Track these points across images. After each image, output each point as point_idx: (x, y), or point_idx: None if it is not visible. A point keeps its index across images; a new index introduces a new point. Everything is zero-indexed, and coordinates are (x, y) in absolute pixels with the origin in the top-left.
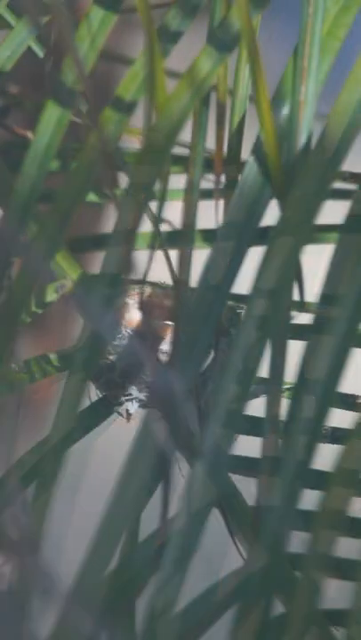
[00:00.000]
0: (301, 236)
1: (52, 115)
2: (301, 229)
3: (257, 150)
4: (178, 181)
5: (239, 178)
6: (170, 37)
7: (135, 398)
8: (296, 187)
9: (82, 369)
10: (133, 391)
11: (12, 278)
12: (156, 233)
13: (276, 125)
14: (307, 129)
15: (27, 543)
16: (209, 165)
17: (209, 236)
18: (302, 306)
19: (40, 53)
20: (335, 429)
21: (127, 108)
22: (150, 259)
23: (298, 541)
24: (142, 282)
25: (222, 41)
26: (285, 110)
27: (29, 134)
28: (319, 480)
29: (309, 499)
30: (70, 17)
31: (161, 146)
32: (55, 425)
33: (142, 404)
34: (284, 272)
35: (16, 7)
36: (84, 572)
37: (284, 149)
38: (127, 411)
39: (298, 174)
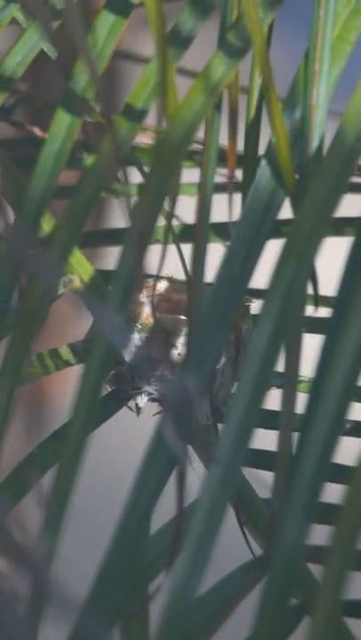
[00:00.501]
0: (315, 238)
1: (64, 120)
2: (315, 232)
3: (269, 154)
4: (191, 176)
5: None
6: (181, 41)
7: (145, 392)
8: (309, 190)
9: (99, 362)
10: (143, 385)
11: (27, 280)
12: (170, 228)
13: (288, 129)
14: (319, 132)
15: (36, 546)
16: (224, 161)
17: (221, 230)
18: (317, 301)
19: (51, 53)
20: (356, 423)
21: (138, 116)
22: (163, 254)
23: (319, 535)
24: (155, 277)
25: (234, 44)
26: (297, 114)
27: (37, 130)
28: (340, 474)
29: (330, 493)
30: (82, 20)
31: (173, 152)
32: (72, 419)
33: (152, 399)
34: (299, 275)
35: (29, 9)
36: (103, 575)
37: (296, 153)
38: (137, 405)
39: (311, 177)
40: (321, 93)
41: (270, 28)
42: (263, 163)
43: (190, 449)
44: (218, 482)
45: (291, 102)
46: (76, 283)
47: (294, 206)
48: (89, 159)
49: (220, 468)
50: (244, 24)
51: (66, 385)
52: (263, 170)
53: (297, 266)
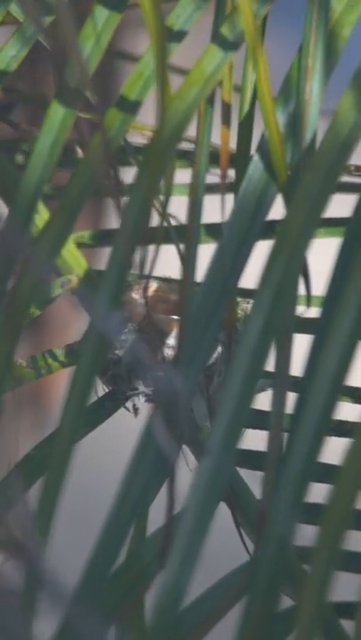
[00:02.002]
0: (307, 233)
1: (57, 113)
2: (307, 227)
3: (261, 148)
4: (183, 176)
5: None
6: (174, 36)
7: (142, 393)
8: (301, 185)
9: (90, 364)
10: (140, 386)
11: (18, 275)
12: (161, 228)
13: (280, 124)
14: (312, 128)
15: (31, 542)
16: (216, 160)
17: (214, 230)
18: (309, 299)
19: (45, 47)
20: (342, 422)
21: (131, 108)
22: (155, 253)
23: (306, 535)
24: (148, 276)
25: (227, 39)
26: (290, 109)
27: (33, 130)
28: (327, 473)
29: (317, 492)
30: (74, 16)
31: (166, 145)
32: (63, 420)
33: (149, 399)
34: (290, 269)
35: (23, 2)
36: (91, 569)
37: (288, 148)
38: (134, 405)
39: (303, 172)
40: (314, 89)
41: (264, 23)
42: (255, 158)
43: (185, 448)
44: (208, 477)
45: (284, 98)
46: (75, 283)
47: (286, 202)
48: (81, 156)
49: (211, 462)
50: (237, 18)
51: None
52: (255, 165)
53: (288, 260)
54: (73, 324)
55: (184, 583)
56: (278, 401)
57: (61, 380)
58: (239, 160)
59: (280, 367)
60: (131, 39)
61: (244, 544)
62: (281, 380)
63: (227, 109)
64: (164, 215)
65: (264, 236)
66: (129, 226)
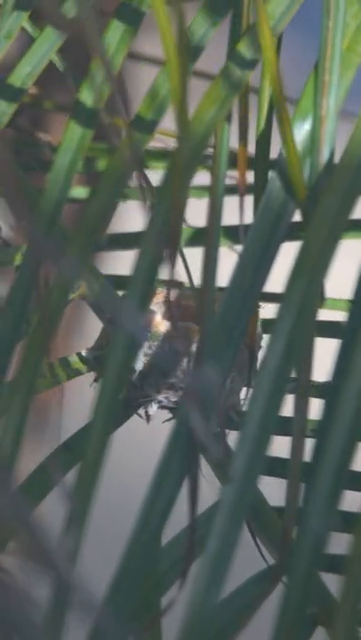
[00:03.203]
0: (326, 255)
1: (75, 130)
2: (326, 249)
3: (279, 165)
4: (201, 179)
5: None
6: (190, 53)
7: (155, 400)
8: (320, 206)
9: (117, 370)
10: (153, 393)
11: (47, 284)
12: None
13: (297, 140)
14: (329, 144)
15: (59, 553)
16: (235, 164)
17: (231, 233)
18: (337, 304)
19: (60, 65)
20: None
21: (148, 129)
22: (176, 259)
23: (339, 543)
24: (169, 283)
25: (244, 57)
26: (307, 125)
27: (42, 135)
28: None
29: (350, 500)
30: (95, 27)
31: (186, 165)
32: (92, 427)
33: (162, 406)
34: (310, 290)
35: (37, 20)
36: (118, 581)
37: (306, 164)
38: (146, 412)
39: (322, 193)
40: (331, 104)
41: (280, 38)
42: (273, 174)
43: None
44: (234, 498)
45: (301, 114)
46: (84, 288)
47: (305, 217)
48: (104, 167)
49: (236, 483)
50: (254, 34)
51: (73, 394)
52: (274, 181)
53: (308, 282)
54: (77, 330)
55: (212, 601)
56: (301, 408)
57: (68, 389)
58: (258, 166)
59: (302, 381)
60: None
61: (260, 551)
62: (304, 388)
63: (244, 124)
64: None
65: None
66: (155, 235)
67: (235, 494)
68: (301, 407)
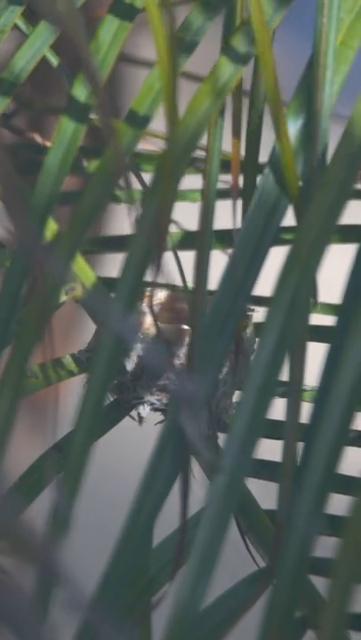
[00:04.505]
0: (318, 250)
1: (67, 126)
2: (318, 244)
3: (273, 161)
4: (193, 183)
5: (257, 180)
6: (184, 48)
7: (147, 402)
8: (313, 201)
9: (104, 372)
10: (145, 395)
11: (33, 284)
12: (172, 235)
13: (291, 136)
14: (323, 139)
15: (44, 549)
16: (226, 167)
17: (224, 237)
18: (323, 308)
19: (53, 61)
20: (354, 431)
21: (141, 123)
22: (166, 261)
23: (325, 547)
24: (160, 285)
25: (238, 51)
26: (301, 121)
27: (37, 137)
28: (347, 485)
29: (336, 504)
30: (86, 25)
31: (177, 160)
32: (77, 429)
33: (154, 408)
34: (302, 284)
35: (30, 17)
36: (109, 577)
37: (300, 159)
38: (139, 414)
39: (315, 187)
40: (325, 100)
41: (274, 33)
42: (267, 170)
43: (195, 458)
44: (222, 493)
45: (295, 109)
46: (78, 291)
47: (298, 213)
48: (92, 165)
49: (225, 479)
50: (248, 29)
51: (70, 394)
52: (267, 177)
53: (301, 276)
54: (75, 332)
55: (199, 599)
56: (293, 410)
57: (65, 389)
58: (248, 169)
59: (294, 378)
60: (132, 41)
61: (251, 553)
62: (295, 390)
63: (237, 119)
64: (175, 222)
65: (276, 245)
66: (143, 235)
67: (224, 487)
68: (294, 405)
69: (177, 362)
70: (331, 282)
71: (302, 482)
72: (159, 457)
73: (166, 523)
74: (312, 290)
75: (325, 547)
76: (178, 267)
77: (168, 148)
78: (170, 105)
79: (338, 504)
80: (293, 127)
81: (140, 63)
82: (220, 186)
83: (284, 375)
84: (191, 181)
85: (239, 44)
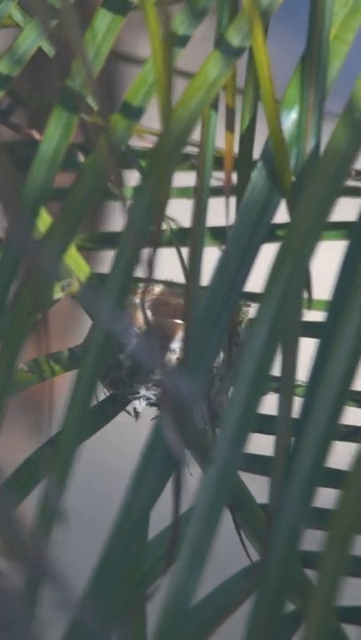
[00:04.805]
0: (311, 240)
1: (61, 117)
2: (311, 234)
3: (266, 154)
4: (188, 180)
5: (251, 176)
6: (177, 41)
7: (143, 397)
8: (306, 192)
9: (92, 367)
10: (141, 390)
11: (24, 278)
12: (166, 231)
13: (284, 130)
14: (315, 133)
15: (35, 546)
16: (219, 164)
17: (217, 233)
18: (314, 304)
19: (49, 53)
20: (349, 427)
21: (135, 114)
22: (160, 257)
23: (313, 540)
24: (152, 280)
25: (231, 44)
26: (294, 115)
27: (35, 133)
28: (334, 478)
29: (325, 497)
30: (79, 19)
31: (171, 152)
32: (65, 424)
33: (150, 403)
34: (295, 276)
35: (26, 7)
36: (100, 572)
37: (292, 154)
38: (135, 409)
39: (307, 179)
40: (318, 94)
41: (267, 28)
42: (259, 164)
43: (188, 453)
44: (214, 484)
45: (288, 103)
46: (75, 286)
47: (290, 208)
48: (86, 160)
49: (217, 469)
50: (241, 23)
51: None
52: (259, 171)
53: (293, 267)
54: (74, 328)
55: (192, 588)
56: (285, 405)
57: (61, 384)
58: (242, 164)
59: (286, 371)
60: (131, 40)
61: (245, 547)
62: (287, 385)
63: (230, 114)
64: (167, 218)
65: (268, 240)
66: (134, 229)
67: (216, 477)
68: (286, 400)
69: (172, 356)
70: (321, 278)
71: (291, 475)
72: (152, 451)
73: (162, 517)
74: (305, 281)
75: (315, 540)
76: (173, 262)
77: (161, 139)
78: (163, 95)
79: (326, 498)
80: (286, 120)
81: (138, 62)
82: (215, 183)
83: (277, 370)
84: (186, 178)
85: (233, 37)
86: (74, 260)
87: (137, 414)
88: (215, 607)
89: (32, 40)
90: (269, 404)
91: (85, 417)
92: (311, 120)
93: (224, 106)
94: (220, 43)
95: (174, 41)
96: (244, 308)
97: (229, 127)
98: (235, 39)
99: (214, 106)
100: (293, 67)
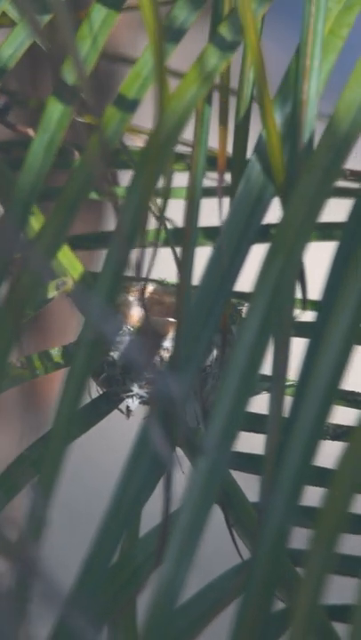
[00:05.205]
0: (304, 234)
1: (54, 113)
2: (304, 228)
3: (259, 149)
4: (181, 179)
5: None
6: (172, 36)
7: (136, 395)
8: (299, 186)
9: (84, 365)
10: (134, 388)
11: (14, 275)
12: (159, 230)
13: (278, 124)
14: (309, 128)
15: (25, 543)
16: (213, 163)
17: (211, 233)
18: (305, 303)
19: (43, 50)
20: (337, 426)
21: (129, 107)
22: (152, 256)
23: (300, 538)
24: (144, 279)
25: (225, 39)
26: (288, 109)
27: (30, 132)
28: (322, 477)
29: (312, 496)
30: (71, 15)
31: (164, 144)
32: (56, 421)
33: (143, 401)
34: (287, 270)
35: (19, 3)
36: (87, 569)
37: (286, 148)
38: (127, 407)
39: (300, 173)
40: (312, 89)
41: (262, 22)
42: (253, 158)
43: (179, 450)
44: (203, 480)
45: (282, 98)
46: (70, 285)
47: (284, 203)
48: (78, 158)
49: (206, 465)
50: (236, 17)
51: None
52: (253, 165)
53: (285, 260)
54: (70, 326)
55: (179, 583)
56: (275, 403)
57: (57, 382)
58: (236, 162)
59: (277, 369)
60: (129, 41)
61: (236, 546)
62: (278, 382)
63: (224, 110)
64: (162, 217)
65: (261, 239)
66: (125, 228)
67: (205, 470)
68: (276, 398)
69: (163, 354)
70: (311, 278)
71: (279, 474)
72: (140, 448)
73: (153, 514)
74: (298, 280)
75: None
76: (166, 261)
77: (154, 132)
78: (159, 84)
79: (313, 496)
80: (280, 116)
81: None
82: (209, 183)
83: (268, 369)
84: (180, 178)
85: (227, 31)
86: (68, 259)
87: (129, 412)
88: (205, 605)
89: (26, 35)
90: (260, 403)
91: (76, 415)
92: (305, 114)
93: (218, 104)
94: (214, 37)
95: (169, 34)
96: (238, 307)
97: (223, 122)
98: (228, 34)
99: (208, 101)
100: (288, 60)
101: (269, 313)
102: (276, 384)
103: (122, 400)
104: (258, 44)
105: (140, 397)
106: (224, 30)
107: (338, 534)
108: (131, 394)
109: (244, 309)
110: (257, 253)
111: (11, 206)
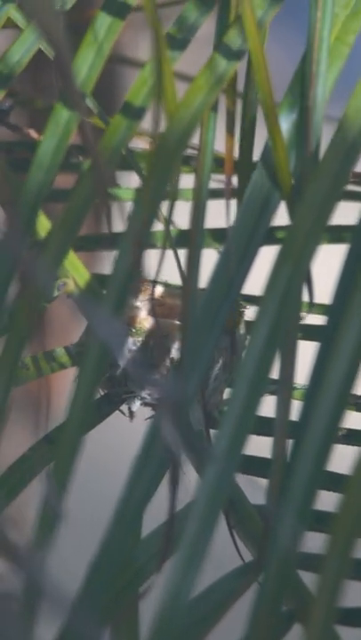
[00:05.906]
0: (313, 241)
1: (60, 117)
2: (313, 234)
3: (266, 156)
4: (187, 182)
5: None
6: (178, 43)
7: (138, 396)
8: (307, 192)
9: (94, 365)
10: (136, 389)
11: (22, 280)
12: (166, 233)
13: (284, 130)
14: (316, 135)
15: (31, 546)
16: (220, 166)
17: (218, 236)
18: (314, 307)
19: (48, 53)
20: (350, 431)
21: (137, 113)
22: (160, 259)
23: (314, 543)
24: (150, 281)
25: (231, 47)
26: (294, 115)
27: (33, 133)
28: (335, 482)
29: (325, 501)
30: (78, 16)
31: (172, 149)
32: (67, 422)
33: (145, 403)
34: (296, 277)
35: (26, 9)
36: (94, 573)
37: (292, 155)
38: (130, 409)
39: (307, 180)
40: (318, 95)
41: (267, 29)
42: (259, 165)
43: (183, 453)
44: (212, 485)
45: (288, 104)
46: (71, 286)
47: (290, 209)
48: (85, 163)
49: (215, 470)
50: (242, 25)
51: (65, 387)
52: (259, 172)
53: (294, 268)
54: (72, 327)
55: (187, 589)
56: (283, 407)
57: (59, 382)
58: (242, 167)
59: (285, 374)
60: (131, 43)
61: (239, 552)
62: (285, 387)
63: (231, 116)
64: (169, 220)
65: (267, 243)
66: (134, 232)
67: (214, 479)
68: (284, 402)
69: (169, 357)
70: (321, 282)
71: (291, 478)
72: (147, 450)
73: (155, 515)
74: (306, 284)
75: (315, 542)
76: (172, 264)
77: (162, 140)
78: (166, 95)
79: (327, 500)
80: (286, 123)
81: (139, 64)
82: (215, 185)
83: (276, 373)
84: (186, 180)
85: (233, 39)
86: (70, 260)
87: (131, 414)
88: (209, 606)
89: (32, 41)
90: (268, 406)
91: (87, 418)
92: (312, 121)
93: (224, 109)
94: (220, 45)
95: (175, 41)
96: (241, 310)
97: (229, 130)
98: (234, 41)
99: (214, 108)
100: (294, 66)
101: (278, 320)
102: (283, 389)
103: (124, 401)
104: (262, 50)
105: (143, 399)
106: (230, 38)
107: (354, 539)
108: (133, 395)
109: (247, 312)
110: (264, 257)
111: (16, 210)
